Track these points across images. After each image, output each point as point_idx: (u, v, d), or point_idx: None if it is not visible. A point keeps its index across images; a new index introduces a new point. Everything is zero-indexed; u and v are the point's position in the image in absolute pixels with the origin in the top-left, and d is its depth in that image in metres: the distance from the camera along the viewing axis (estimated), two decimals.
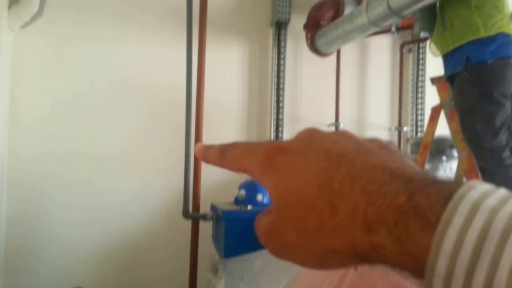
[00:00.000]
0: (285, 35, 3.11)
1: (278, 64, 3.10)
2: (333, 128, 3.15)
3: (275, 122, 3.13)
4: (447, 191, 0.22)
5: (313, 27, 2.92)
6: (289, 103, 3.17)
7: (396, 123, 3.37)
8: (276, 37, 3.09)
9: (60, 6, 2.69)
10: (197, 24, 2.31)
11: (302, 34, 3.07)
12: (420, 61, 3.34)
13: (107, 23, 2.80)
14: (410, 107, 3.41)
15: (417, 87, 3.35)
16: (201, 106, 2.23)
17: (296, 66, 3.22)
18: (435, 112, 2.25)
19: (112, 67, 2.82)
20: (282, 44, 3.10)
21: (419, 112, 3.37)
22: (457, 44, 1.86)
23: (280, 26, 3.08)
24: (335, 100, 3.20)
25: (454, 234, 0.20)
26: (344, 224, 0.24)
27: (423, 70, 3.34)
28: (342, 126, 3.19)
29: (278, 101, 3.11)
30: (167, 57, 2.86)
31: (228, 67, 3.08)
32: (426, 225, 0.21)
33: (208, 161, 0.34)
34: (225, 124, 3.06)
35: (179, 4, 2.50)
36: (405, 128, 3.36)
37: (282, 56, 3.10)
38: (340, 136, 0.28)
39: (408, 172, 0.24)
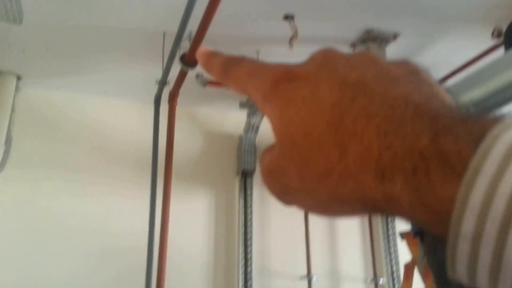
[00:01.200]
0: (251, 184, 3.09)
1: (245, 214, 3.01)
2: (305, 283, 2.95)
3: (243, 276, 2.90)
4: (479, 131, 0.18)
5: None
6: (257, 254, 3.01)
7: (371, 274, 3.20)
8: (243, 187, 3.07)
9: (22, 162, 2.64)
10: (163, 175, 2.27)
11: None
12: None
13: (71, 177, 2.74)
14: (384, 257, 3.27)
15: (388, 238, 3.27)
16: (164, 257, 2.07)
17: (264, 216, 3.14)
18: (408, 269, 2.12)
19: (75, 219, 2.70)
20: (249, 193, 3.06)
21: (394, 262, 3.23)
22: None
23: (246, 175, 3.08)
24: (305, 251, 3.06)
25: (484, 184, 0.16)
26: (354, 169, 0.20)
27: (392, 221, 3.31)
28: (315, 278, 2.99)
29: (246, 253, 2.94)
30: (133, 208, 2.75)
31: (194, 217, 2.98)
32: (451, 173, 0.17)
33: (209, 72, 0.31)
34: (191, 275, 2.82)
35: (145, 157, 2.49)
36: (381, 280, 3.17)
37: (249, 205, 3.04)
38: (360, 59, 0.24)
39: (435, 106, 0.20)
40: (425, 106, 0.20)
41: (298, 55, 2.47)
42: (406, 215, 0.19)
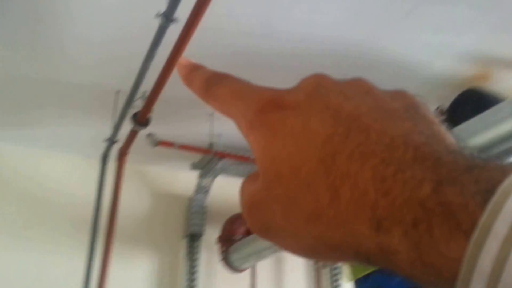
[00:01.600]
0: (198, 248, 2.99)
1: (190, 280, 2.87)
2: None
3: None
4: (488, 182, 0.15)
5: (226, 241, 2.85)
6: None
7: None
8: (189, 250, 2.95)
9: None
10: (104, 235, 2.15)
11: (217, 247, 2.97)
12: (334, 277, 3.30)
13: (2, 229, 2.54)
14: None
15: None
16: None
17: (210, 281, 3.01)
18: None
19: (3, 274, 2.46)
20: (195, 257, 2.94)
21: None
22: (365, 272, 1.84)
23: (193, 239, 2.98)
24: None
25: (495, 247, 0.14)
26: (346, 214, 0.18)
27: (338, 286, 3.27)
28: None
29: None
30: (68, 268, 2.56)
31: (135, 281, 2.80)
32: (457, 230, 0.15)
33: (189, 87, 0.29)
34: None
35: (88, 215, 2.37)
36: None
37: (195, 270, 2.91)
38: (355, 88, 0.22)
39: (437, 149, 0.18)
40: (426, 148, 0.18)
41: None
42: (403, 271, 0.17)
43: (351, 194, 0.18)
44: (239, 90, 0.24)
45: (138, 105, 2.08)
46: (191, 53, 1.81)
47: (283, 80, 2.14)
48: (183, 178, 3.14)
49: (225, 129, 2.66)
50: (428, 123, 0.20)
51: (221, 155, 2.64)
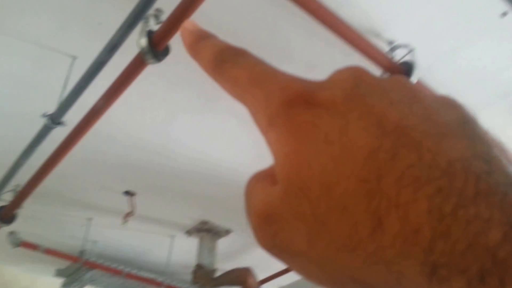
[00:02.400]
0: None
1: None
2: None
3: None
4: None
5: None
6: None
7: None
8: None
9: None
10: None
11: None
12: None
13: None
14: None
15: None
16: None
17: None
18: None
19: None
20: None
21: None
22: None
23: None
24: None
25: None
26: (391, 252, 0.14)
27: None
28: None
29: None
30: None
31: None
32: None
33: (194, 57, 0.23)
34: None
35: None
36: None
37: None
38: (399, 90, 0.18)
39: (503, 181, 0.14)
40: (489, 179, 0.15)
41: (130, 228, 2.38)
42: None
43: (399, 228, 0.15)
44: (259, 74, 0.20)
45: (5, 198, 1.91)
46: (79, 157, 1.77)
47: (171, 199, 2.14)
48: (43, 284, 2.80)
49: (103, 237, 2.51)
50: (487, 145, 0.16)
51: (92, 265, 2.44)
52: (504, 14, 1.39)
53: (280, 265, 2.61)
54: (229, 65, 0.21)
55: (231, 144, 1.97)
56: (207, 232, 2.49)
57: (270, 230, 0.18)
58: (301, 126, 0.17)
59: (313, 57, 1.61)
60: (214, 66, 0.22)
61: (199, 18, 1.22)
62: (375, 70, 1.50)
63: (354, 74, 0.19)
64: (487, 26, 1.49)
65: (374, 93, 0.18)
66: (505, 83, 1.69)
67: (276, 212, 0.18)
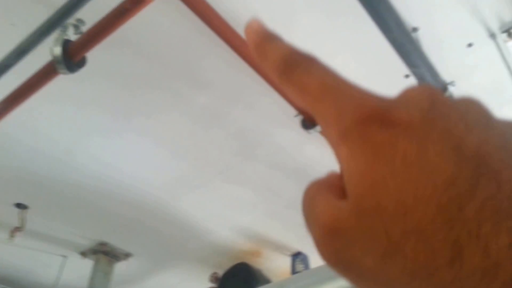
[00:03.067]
0: None
1: None
2: None
3: None
4: None
5: None
6: None
7: None
8: None
9: None
10: None
11: None
12: None
13: None
14: None
15: None
16: None
17: None
18: None
19: None
20: None
21: None
22: None
23: None
24: None
25: None
26: (469, 283, 0.14)
27: None
28: None
29: None
30: None
31: None
32: None
33: (260, 60, 0.22)
34: None
35: None
36: None
37: None
38: (474, 113, 0.17)
39: None
40: None
41: (18, 245, 2.16)
42: None
43: (480, 261, 0.14)
44: (332, 86, 0.20)
45: None
46: None
47: (69, 216, 1.99)
48: None
49: None
50: None
51: None
52: (407, 76, 1.55)
53: None
54: (298, 71, 0.21)
55: (143, 164, 1.91)
56: (104, 254, 2.35)
57: (335, 245, 0.17)
58: (377, 145, 0.17)
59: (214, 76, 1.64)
60: (282, 71, 0.22)
61: (123, 33, 1.19)
62: (292, 110, 1.58)
63: (430, 95, 0.18)
64: (390, 86, 1.64)
65: (450, 115, 0.17)
66: None
67: (344, 227, 0.17)
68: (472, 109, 0.18)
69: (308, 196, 0.20)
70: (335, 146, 0.19)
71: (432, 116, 0.17)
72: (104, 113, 1.66)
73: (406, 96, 0.19)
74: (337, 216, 0.17)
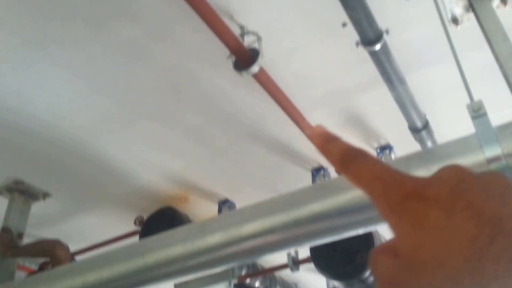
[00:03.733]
0: None
1: None
2: None
3: None
4: None
5: None
6: None
7: None
8: None
9: None
10: None
11: None
12: None
13: None
14: None
15: None
16: None
17: None
18: None
19: None
20: None
21: None
22: None
23: None
24: None
25: None
26: None
27: None
28: None
29: None
30: None
31: None
32: None
33: (326, 156, 0.30)
34: None
35: None
36: None
37: None
38: (494, 186, 0.23)
39: None
40: None
41: None
42: None
43: None
44: (380, 172, 0.26)
45: None
46: None
47: None
48: None
49: None
50: None
51: None
52: (345, 24, 1.51)
53: (97, 237, 2.47)
54: (356, 163, 0.28)
55: (60, 98, 1.77)
56: (20, 193, 2.21)
57: None
58: (416, 215, 0.23)
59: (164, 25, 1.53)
60: (343, 164, 0.28)
61: None
62: (225, 51, 1.50)
63: (456, 174, 0.24)
64: (327, 34, 1.61)
65: (473, 189, 0.23)
66: (335, 91, 1.86)
67: (399, 281, 0.22)
68: (493, 182, 0.23)
69: (374, 258, 0.25)
70: (387, 217, 0.25)
71: (457, 191, 0.22)
72: (13, 36, 1.49)
73: (438, 175, 0.24)
74: (392, 272, 0.23)
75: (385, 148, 2.14)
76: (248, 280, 2.71)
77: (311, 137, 0.32)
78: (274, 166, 2.27)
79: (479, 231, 0.21)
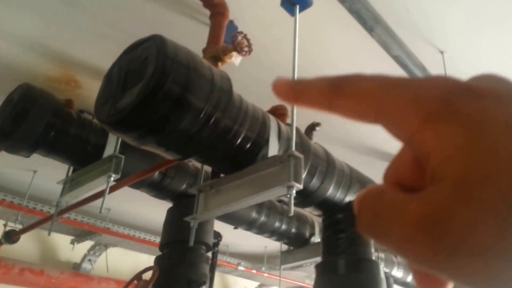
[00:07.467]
0: None
1: None
2: None
3: None
4: None
5: None
6: None
7: None
8: None
9: None
10: None
11: None
12: None
13: None
14: None
15: None
16: None
17: None
18: None
19: None
20: None
21: None
22: None
23: None
24: None
25: None
26: None
27: None
28: None
29: None
30: None
31: None
32: None
33: (299, 101, 0.23)
34: None
35: None
36: None
37: None
38: None
39: None
40: None
41: None
42: None
43: None
44: (393, 82, 0.20)
45: None
46: None
47: None
48: None
49: None
50: None
51: None
52: None
53: None
54: (351, 84, 0.21)
55: None
56: None
57: (438, 233, 0.17)
58: (474, 115, 0.17)
59: None
60: (334, 92, 0.21)
61: None
62: None
63: (493, 75, 0.20)
64: None
65: None
66: None
67: (447, 211, 0.17)
68: None
69: (367, 205, 0.19)
70: (416, 135, 0.18)
71: (506, 87, 0.18)
72: None
73: (479, 79, 0.19)
74: (433, 204, 0.17)
75: None
76: None
77: (274, 90, 0.23)
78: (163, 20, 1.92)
79: None
